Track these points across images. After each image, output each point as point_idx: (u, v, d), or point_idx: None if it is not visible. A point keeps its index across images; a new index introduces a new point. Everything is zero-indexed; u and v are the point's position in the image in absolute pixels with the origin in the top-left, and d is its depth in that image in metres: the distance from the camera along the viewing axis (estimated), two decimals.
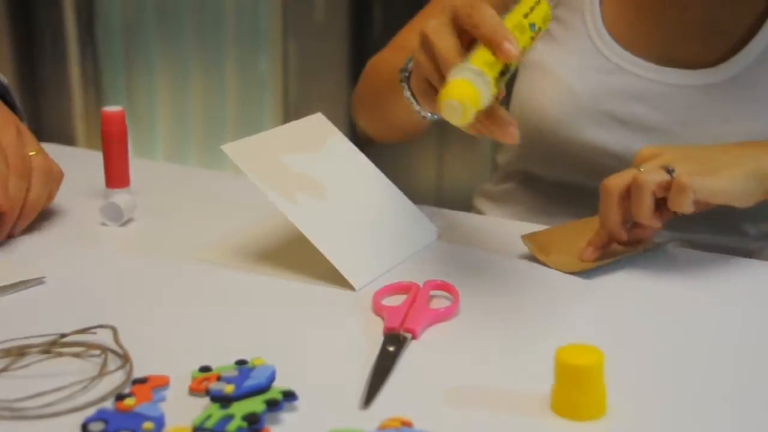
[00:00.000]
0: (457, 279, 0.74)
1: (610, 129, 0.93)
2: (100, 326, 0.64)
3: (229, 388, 0.56)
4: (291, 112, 2.47)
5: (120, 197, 0.86)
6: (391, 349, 0.63)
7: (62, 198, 0.89)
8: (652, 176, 0.74)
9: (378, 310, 0.70)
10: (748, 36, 0.91)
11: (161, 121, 2.61)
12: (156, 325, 0.68)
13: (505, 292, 0.74)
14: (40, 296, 0.72)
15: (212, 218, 0.89)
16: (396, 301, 0.71)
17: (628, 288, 0.75)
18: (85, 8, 2.59)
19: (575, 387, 0.54)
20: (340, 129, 0.86)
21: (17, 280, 0.73)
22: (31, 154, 0.83)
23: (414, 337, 0.65)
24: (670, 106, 0.92)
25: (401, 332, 0.66)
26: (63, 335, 0.64)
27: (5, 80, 0.93)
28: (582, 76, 0.95)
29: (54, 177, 0.85)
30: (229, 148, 0.76)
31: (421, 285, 0.72)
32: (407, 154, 2.23)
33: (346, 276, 0.73)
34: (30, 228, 0.84)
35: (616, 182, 0.76)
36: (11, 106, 0.91)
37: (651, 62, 0.94)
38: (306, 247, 0.74)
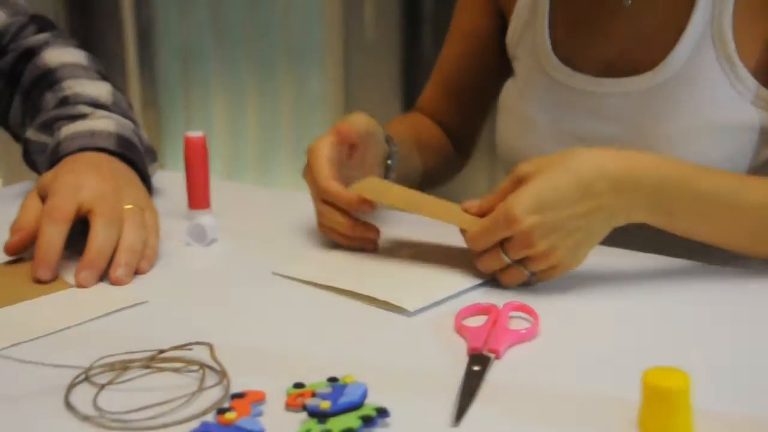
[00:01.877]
0: (533, 300, 0.76)
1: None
2: (197, 343, 0.67)
3: (325, 404, 0.59)
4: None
5: (204, 218, 0.89)
6: (477, 368, 0.65)
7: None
8: (513, 281, 0.79)
9: (460, 330, 0.72)
10: (679, 32, 0.92)
11: (218, 140, 2.66)
12: (248, 342, 0.70)
13: (583, 313, 0.76)
14: (136, 314, 0.76)
15: (292, 237, 0.92)
16: (476, 322, 0.73)
17: (707, 309, 0.76)
18: (145, 31, 2.66)
19: (663, 410, 0.55)
20: None
21: (122, 306, 0.76)
22: (126, 207, 0.84)
23: (497, 357, 0.67)
24: (621, 115, 0.95)
25: (485, 352, 0.68)
26: (161, 351, 0.67)
27: (139, 143, 0.96)
28: (539, 104, 1.00)
29: (150, 228, 0.86)
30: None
31: (500, 307, 0.74)
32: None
33: (395, 302, 0.76)
34: None
35: (482, 243, 0.78)
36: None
37: (597, 75, 0.97)
38: (383, 268, 0.77)
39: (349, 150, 0.88)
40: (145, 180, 0.95)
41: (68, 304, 0.77)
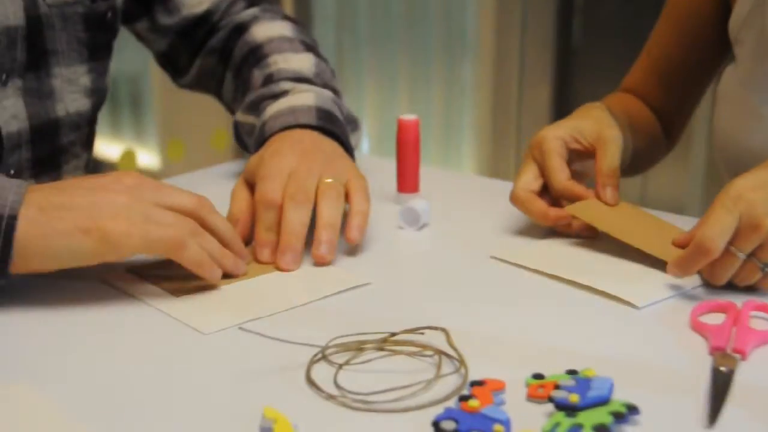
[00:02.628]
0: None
1: None
2: (430, 327, 0.66)
3: (574, 398, 0.57)
4: (496, 117, 2.47)
5: (417, 202, 0.89)
6: (723, 369, 0.62)
7: None
8: (749, 279, 0.74)
9: (697, 327, 0.68)
10: None
11: (368, 122, 2.67)
12: (479, 328, 0.69)
13: None
14: (361, 295, 0.76)
15: (501, 221, 0.90)
16: (714, 319, 0.69)
17: None
18: (303, 10, 2.70)
19: None
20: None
21: (348, 286, 0.76)
22: (325, 182, 0.83)
23: (743, 358, 0.64)
24: None
25: (729, 352, 0.64)
26: (393, 334, 0.67)
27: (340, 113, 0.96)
28: (766, 94, 0.93)
29: (359, 194, 0.85)
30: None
31: (739, 305, 0.70)
32: None
33: (624, 297, 0.73)
34: None
35: (717, 244, 0.72)
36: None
37: None
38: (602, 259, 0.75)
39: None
40: (348, 149, 0.94)
41: (290, 284, 0.77)
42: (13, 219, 0.70)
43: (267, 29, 1.06)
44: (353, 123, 1.00)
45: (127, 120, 3.00)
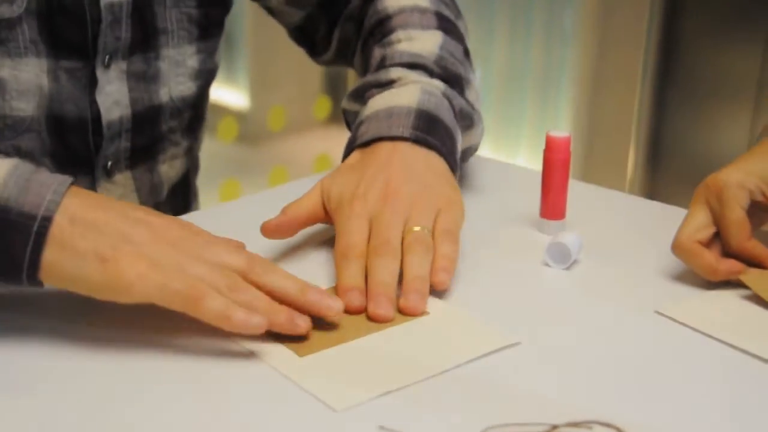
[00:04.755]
0: None
1: None
2: (598, 422, 0.56)
3: None
4: (592, 70, 2.33)
5: (566, 236, 0.78)
6: None
7: (495, 220, 0.83)
8: None
9: None
10: None
11: None
12: (661, 425, 0.58)
13: None
14: (510, 362, 0.65)
15: (664, 259, 0.78)
16: None
17: None
18: None
19: None
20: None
21: (493, 348, 0.66)
22: (414, 230, 0.73)
23: None
24: None
25: None
26: (554, 426, 0.56)
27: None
28: None
29: (446, 238, 0.75)
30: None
31: None
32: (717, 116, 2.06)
33: None
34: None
35: None
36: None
37: None
38: None
39: None
40: (449, 158, 0.82)
41: (419, 343, 0.67)
42: (47, 221, 0.62)
43: None
44: (468, 119, 0.87)
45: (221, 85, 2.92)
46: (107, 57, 0.84)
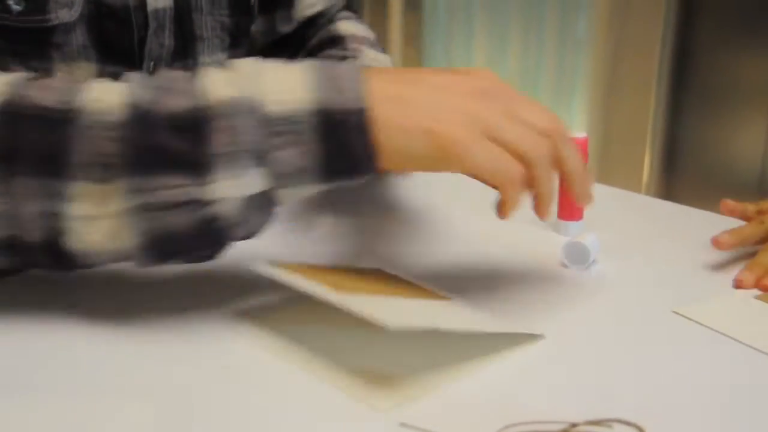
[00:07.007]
0: None
1: None
2: (620, 421, 0.56)
3: None
4: (606, 76, 2.33)
5: (586, 237, 0.78)
6: None
7: (512, 221, 0.82)
8: None
9: None
10: None
11: None
12: (683, 425, 0.58)
13: None
14: (528, 358, 0.65)
15: (686, 257, 0.78)
16: None
17: None
18: None
19: None
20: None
21: (520, 330, 0.66)
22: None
23: None
24: None
25: None
26: (573, 425, 0.56)
27: None
28: None
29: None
30: None
31: None
32: (732, 120, 2.05)
33: None
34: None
35: None
36: None
37: None
38: None
39: None
40: None
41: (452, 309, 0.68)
42: (362, 112, 0.61)
43: (352, 27, 1.02)
44: None
45: None
46: (152, 63, 0.84)
